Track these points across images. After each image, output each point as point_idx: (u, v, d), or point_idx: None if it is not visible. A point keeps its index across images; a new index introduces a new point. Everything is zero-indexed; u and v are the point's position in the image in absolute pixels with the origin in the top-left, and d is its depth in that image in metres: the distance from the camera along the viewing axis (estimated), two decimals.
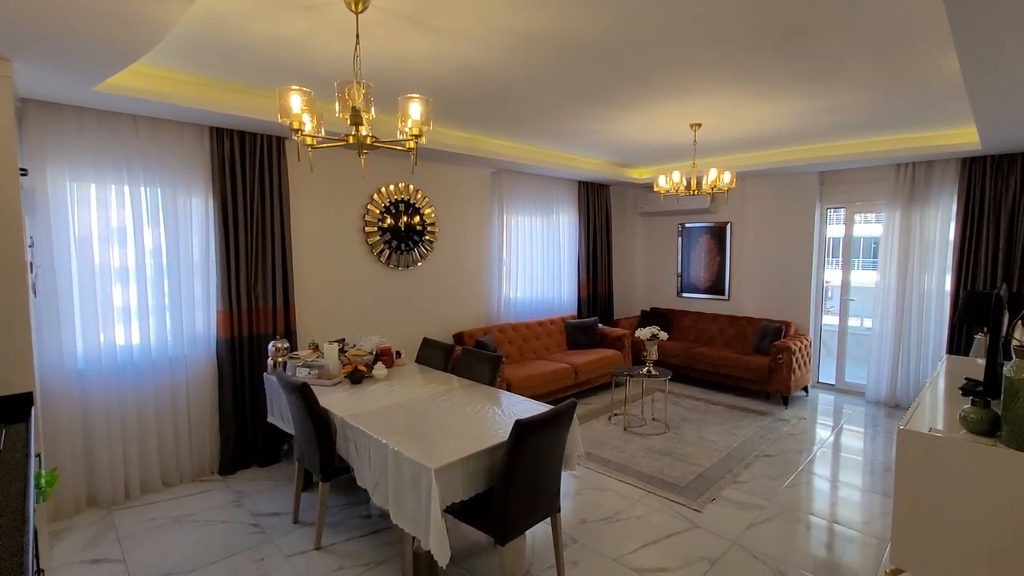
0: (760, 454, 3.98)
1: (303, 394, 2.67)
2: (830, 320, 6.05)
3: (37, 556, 1.64)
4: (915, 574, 2.20)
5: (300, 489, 3.07)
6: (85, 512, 3.14)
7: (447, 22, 2.27)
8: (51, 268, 2.96)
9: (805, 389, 5.62)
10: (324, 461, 2.71)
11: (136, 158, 3.25)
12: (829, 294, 6.18)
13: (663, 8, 2.14)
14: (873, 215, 5.78)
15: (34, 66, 2.28)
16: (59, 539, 2.85)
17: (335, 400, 2.92)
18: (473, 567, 2.62)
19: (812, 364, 5.70)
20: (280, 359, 3.44)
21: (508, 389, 4.48)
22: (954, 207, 4.75)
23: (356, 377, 3.28)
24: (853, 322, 5.94)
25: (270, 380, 3.47)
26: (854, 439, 4.35)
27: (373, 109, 2.08)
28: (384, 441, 2.33)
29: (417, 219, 4.86)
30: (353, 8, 2.01)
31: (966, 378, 2.78)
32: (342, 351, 3.52)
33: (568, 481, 3.52)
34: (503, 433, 2.35)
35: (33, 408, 2.19)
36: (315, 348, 3.60)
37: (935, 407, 2.49)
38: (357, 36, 2.05)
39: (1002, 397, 1.92)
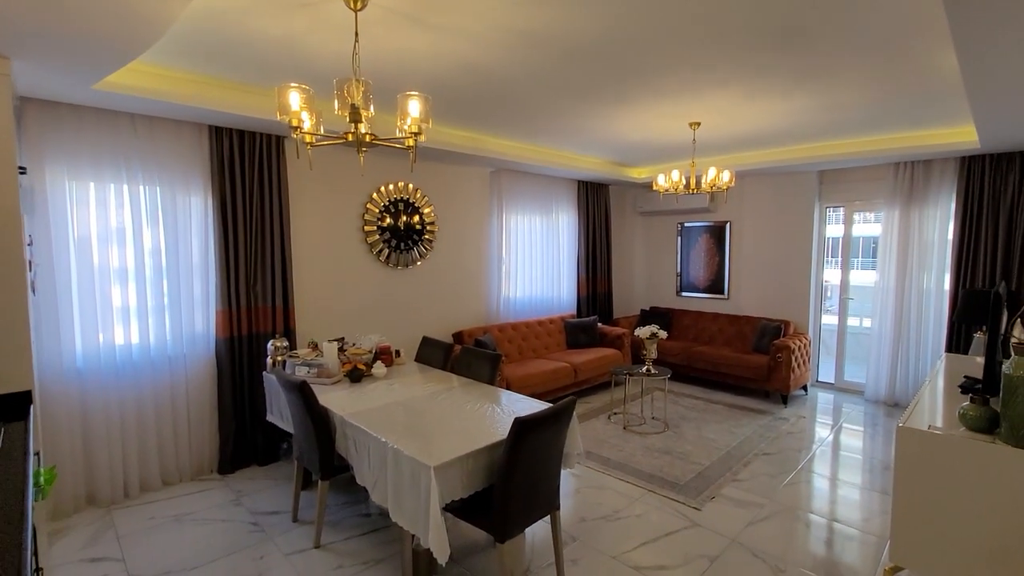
0: (759, 452, 3.98)
1: (302, 392, 2.67)
2: (829, 320, 6.06)
3: (36, 554, 1.64)
4: (914, 571, 2.21)
5: (299, 488, 3.07)
6: (84, 511, 3.13)
7: (446, 20, 2.27)
8: (50, 266, 2.96)
9: (804, 388, 5.62)
10: (323, 459, 2.71)
11: (135, 157, 3.24)
12: (828, 294, 6.19)
13: (662, 7, 2.14)
14: (872, 214, 5.79)
15: (33, 64, 2.28)
16: (58, 538, 2.85)
17: (334, 398, 2.92)
18: (472, 565, 2.62)
19: (811, 363, 5.71)
20: (279, 358, 3.43)
21: (507, 388, 4.48)
22: (953, 206, 4.76)
23: (355, 376, 3.28)
24: (852, 321, 5.95)
25: (269, 379, 3.47)
26: (853, 438, 4.35)
27: (372, 107, 2.08)
28: (383, 439, 2.33)
29: (416, 218, 4.86)
30: (352, 6, 2.01)
31: (965, 376, 2.79)
32: (341, 350, 3.52)
33: (568, 479, 3.53)
34: (502, 431, 2.35)
35: (32, 406, 2.19)
36: (314, 347, 3.60)
37: (934, 405, 2.49)
38: (356, 34, 2.05)
39: (1001, 394, 1.93)
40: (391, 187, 4.66)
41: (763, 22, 2.30)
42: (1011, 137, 3.85)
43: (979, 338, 4.04)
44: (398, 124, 2.06)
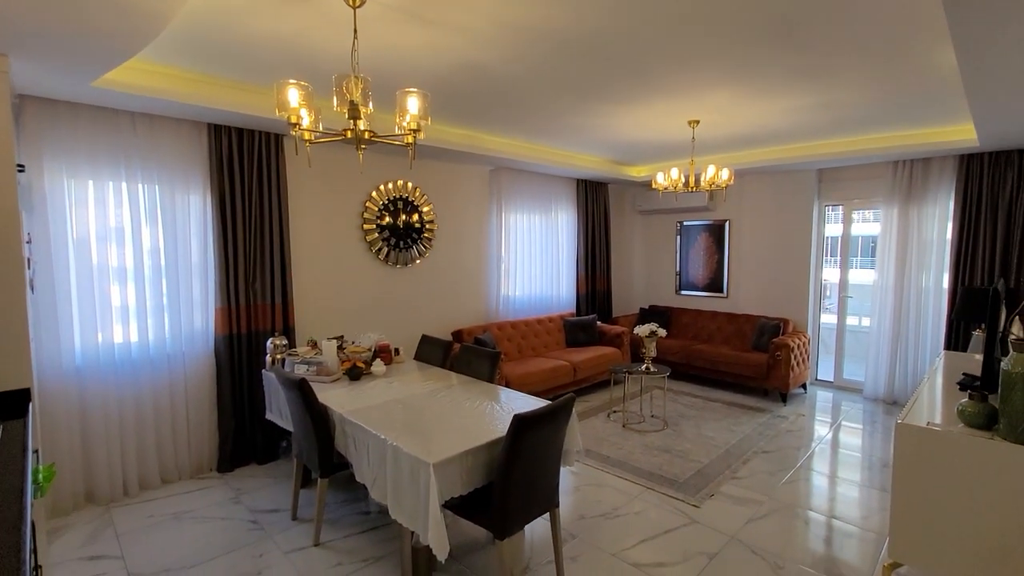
0: (758, 450, 3.99)
1: (301, 390, 2.67)
2: (828, 319, 6.06)
3: (35, 551, 1.63)
4: (913, 567, 2.21)
5: (299, 486, 3.07)
6: (83, 509, 3.13)
7: (444, 16, 2.27)
8: (48, 264, 2.96)
9: (803, 386, 5.63)
10: (323, 457, 2.71)
11: (134, 155, 3.24)
12: (827, 292, 6.20)
13: (658, 3, 2.14)
14: (871, 213, 5.79)
15: (31, 61, 2.27)
16: (57, 536, 2.85)
17: (334, 396, 2.92)
18: (472, 563, 2.62)
19: (811, 361, 5.71)
20: (278, 356, 3.43)
21: (507, 386, 4.48)
22: (952, 204, 4.76)
23: (355, 374, 3.28)
24: (851, 321, 5.96)
25: (269, 377, 3.47)
26: (852, 436, 4.36)
27: (371, 104, 2.07)
28: (383, 436, 2.33)
29: (416, 217, 4.86)
30: (351, 3, 2.01)
31: (964, 373, 2.79)
32: (340, 348, 3.51)
33: (567, 477, 3.53)
34: (502, 428, 2.35)
35: (31, 404, 2.19)
36: (313, 345, 3.60)
37: (933, 402, 2.50)
38: (355, 31, 2.05)
39: (999, 390, 1.93)
40: (390, 185, 4.65)
41: (762, 18, 2.30)
42: (1010, 135, 3.86)
43: (978, 336, 4.04)
44: (397, 121, 2.06)
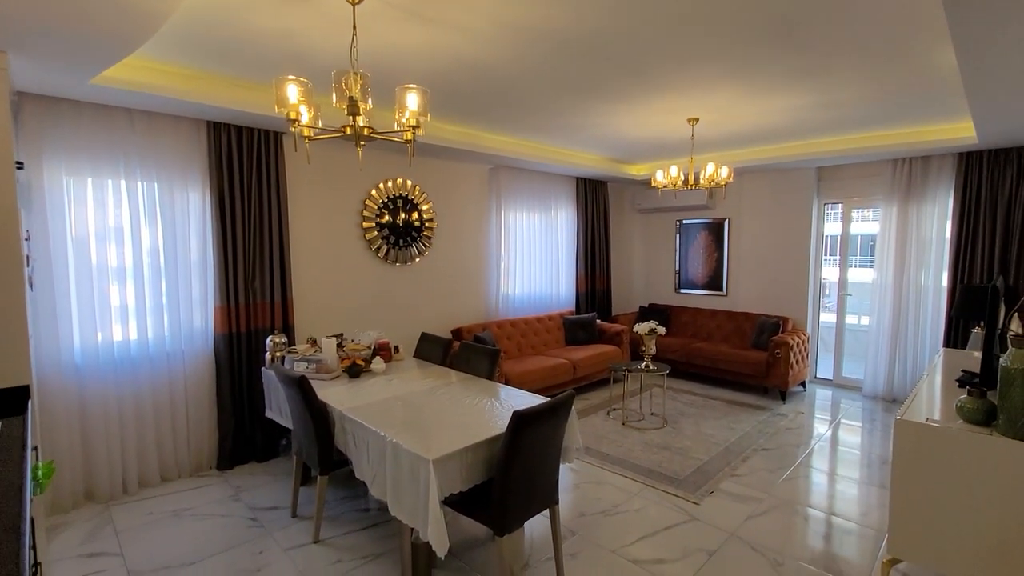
0: (758, 448, 3.99)
1: (301, 387, 2.67)
2: (827, 317, 6.06)
3: (34, 548, 1.63)
4: (913, 563, 2.21)
5: (298, 483, 3.07)
6: (83, 507, 3.13)
7: (443, 14, 2.26)
8: (47, 261, 2.96)
9: (803, 384, 5.64)
10: (322, 454, 2.71)
11: (133, 152, 3.24)
12: (827, 291, 6.20)
13: (658, 2, 2.14)
14: (870, 211, 5.79)
15: (30, 59, 2.27)
16: (56, 533, 2.85)
17: (333, 394, 2.92)
18: (472, 559, 2.63)
19: (810, 359, 5.72)
20: (278, 354, 3.43)
21: (506, 384, 4.47)
22: (951, 202, 4.76)
23: (354, 371, 3.28)
24: (851, 320, 5.96)
25: (268, 375, 3.47)
26: (851, 433, 4.36)
27: (370, 100, 2.07)
28: (382, 433, 2.33)
29: (415, 215, 4.86)
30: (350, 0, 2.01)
31: (963, 370, 2.79)
32: (340, 346, 3.51)
33: (567, 475, 3.53)
34: (501, 425, 2.35)
35: (30, 401, 2.19)
36: (313, 343, 3.60)
37: (932, 398, 2.50)
38: (354, 27, 2.05)
39: (998, 386, 1.93)
40: (390, 184, 4.65)
41: (762, 18, 2.30)
42: (1009, 133, 3.86)
43: (977, 333, 4.05)
44: (396, 118, 2.06)
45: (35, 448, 2.14)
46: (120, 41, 2.12)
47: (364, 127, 2.05)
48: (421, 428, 2.39)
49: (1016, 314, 2.44)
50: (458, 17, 2.30)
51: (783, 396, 5.21)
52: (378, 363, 3.41)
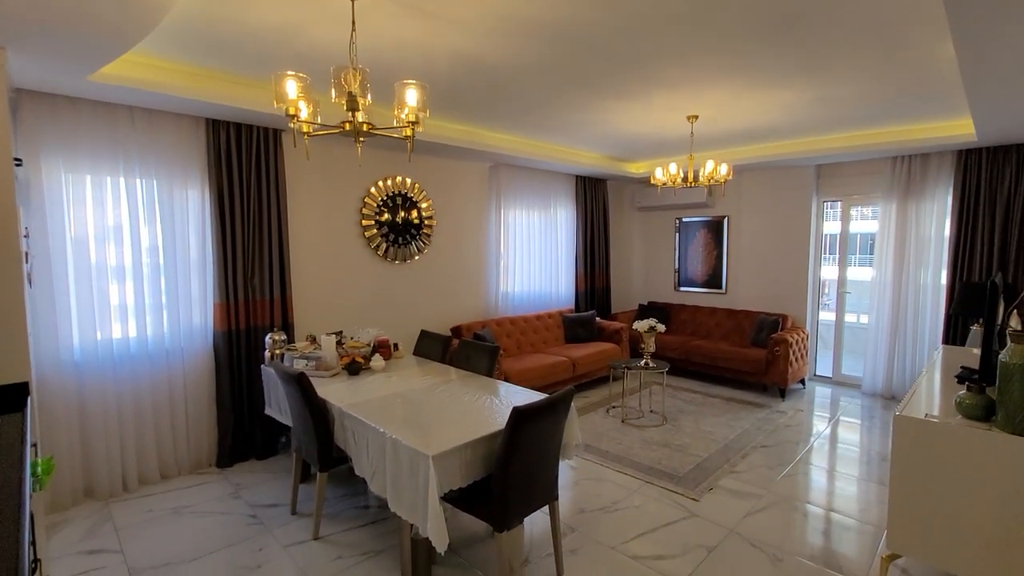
0: (757, 445, 3.99)
1: (300, 384, 2.67)
2: (827, 316, 6.07)
3: (34, 544, 1.63)
4: (912, 558, 2.22)
5: (298, 480, 3.07)
6: (82, 504, 3.13)
7: (443, 9, 2.26)
8: (46, 258, 2.95)
9: (802, 382, 5.64)
10: (322, 451, 2.71)
11: (132, 150, 3.23)
12: (826, 290, 6.20)
13: None
14: (869, 209, 5.79)
15: (28, 54, 2.26)
16: (56, 530, 2.85)
17: (333, 391, 2.92)
18: (471, 556, 2.63)
19: (809, 357, 5.72)
20: (277, 351, 3.43)
21: (506, 382, 4.48)
22: (950, 199, 4.76)
23: (354, 368, 3.28)
24: (850, 318, 5.96)
25: (268, 372, 3.47)
26: (850, 430, 4.37)
27: (369, 96, 2.07)
28: (382, 430, 2.33)
29: (415, 213, 4.85)
30: None
31: (962, 367, 2.80)
32: (339, 343, 3.51)
33: (566, 472, 3.53)
34: (501, 421, 2.35)
35: (29, 398, 2.18)
36: (312, 340, 3.60)
37: (931, 394, 2.50)
38: (353, 22, 2.05)
39: (997, 382, 1.93)
40: (389, 182, 4.65)
41: (759, 11, 2.30)
42: (1008, 130, 3.86)
43: (976, 330, 4.06)
44: (395, 113, 2.05)
45: (34, 445, 2.14)
46: (118, 36, 2.12)
47: (363, 123, 2.05)
48: (421, 424, 2.40)
49: (1015, 310, 2.44)
50: (457, 12, 2.29)
51: (782, 393, 5.22)
52: (377, 360, 3.41)
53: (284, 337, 3.50)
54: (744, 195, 6.16)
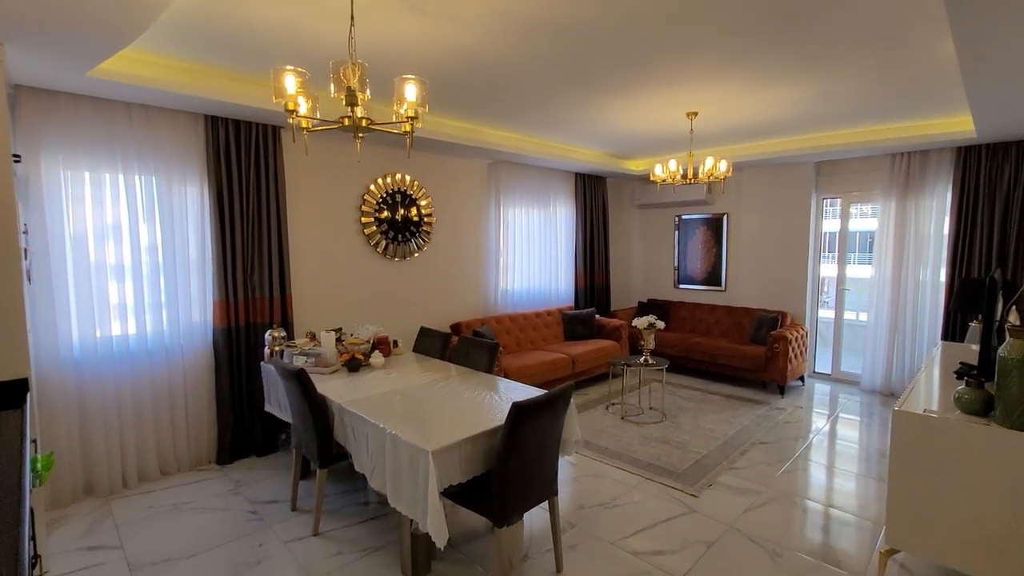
0: (756, 441, 4.00)
1: (300, 380, 2.67)
2: (826, 313, 6.07)
3: (34, 539, 1.63)
4: (910, 553, 2.22)
5: (298, 477, 3.07)
6: (82, 501, 3.13)
7: (441, 5, 2.25)
8: (45, 254, 2.95)
9: (801, 379, 5.65)
10: (322, 447, 2.72)
11: (131, 146, 3.23)
12: (825, 287, 6.21)
13: None
14: (868, 207, 5.79)
15: (26, 50, 2.26)
16: (56, 527, 2.85)
17: (332, 387, 2.92)
18: (471, 551, 2.63)
19: (808, 354, 5.73)
20: (277, 348, 3.43)
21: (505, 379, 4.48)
22: (949, 196, 4.76)
23: (353, 365, 3.28)
24: (849, 315, 5.97)
25: (267, 369, 3.47)
26: (849, 427, 4.38)
27: (368, 91, 2.07)
28: (382, 426, 2.33)
29: (414, 210, 4.85)
30: None
31: (960, 362, 2.80)
32: (339, 340, 3.51)
33: (566, 468, 3.54)
34: (500, 417, 2.36)
35: (29, 394, 2.18)
36: (312, 337, 3.59)
37: (930, 390, 2.51)
38: (352, 17, 2.04)
39: (996, 377, 1.94)
40: (388, 179, 4.64)
41: (759, 7, 2.29)
42: (1007, 126, 3.86)
43: (974, 327, 4.06)
44: (394, 109, 2.05)
45: (34, 441, 2.14)
46: (117, 32, 2.11)
47: (362, 118, 2.05)
48: (420, 420, 2.40)
49: (1014, 306, 2.44)
50: (456, 8, 2.29)
51: (781, 390, 5.22)
52: (377, 357, 3.42)
53: (284, 334, 3.51)
54: (744, 192, 6.16)
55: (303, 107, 1.98)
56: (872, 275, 5.30)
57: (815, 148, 5.00)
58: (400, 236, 4.76)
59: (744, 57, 2.91)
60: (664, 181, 4.46)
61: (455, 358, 3.66)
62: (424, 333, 4.06)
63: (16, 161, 2.44)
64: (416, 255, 4.92)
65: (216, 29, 2.50)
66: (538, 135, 4.98)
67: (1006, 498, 1.90)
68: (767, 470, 3.51)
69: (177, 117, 3.38)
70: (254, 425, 3.76)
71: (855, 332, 6.05)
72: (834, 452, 3.85)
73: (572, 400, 2.52)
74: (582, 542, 2.70)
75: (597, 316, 6.19)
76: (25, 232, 2.67)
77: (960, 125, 4.22)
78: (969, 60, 2.40)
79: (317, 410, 2.70)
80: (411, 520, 2.26)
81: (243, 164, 3.61)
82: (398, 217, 4.73)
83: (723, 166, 4.19)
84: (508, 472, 2.16)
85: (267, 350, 3.46)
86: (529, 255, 5.98)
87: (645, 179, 6.64)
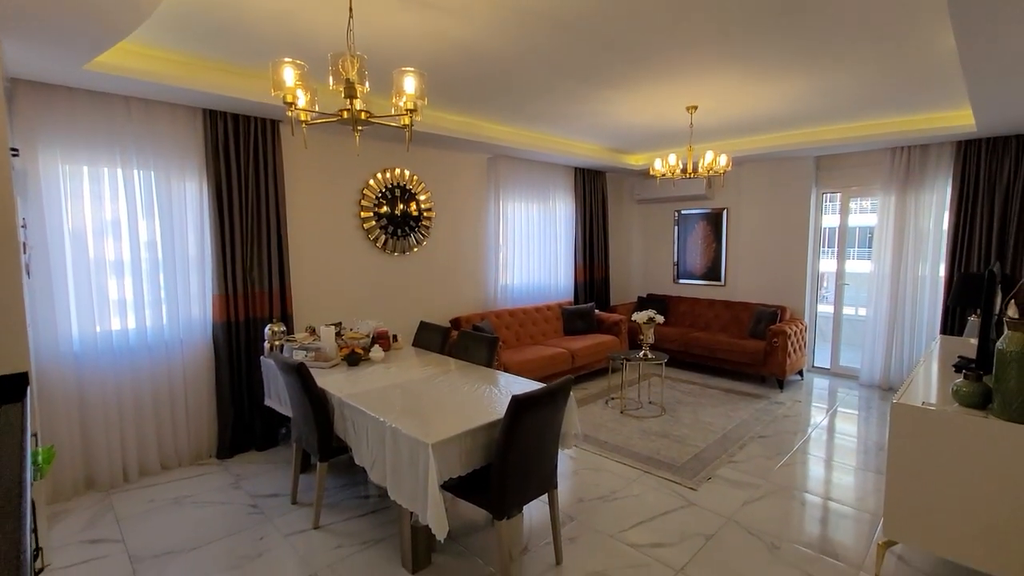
0: (755, 435, 4.01)
1: (300, 374, 2.68)
2: (825, 308, 6.08)
3: (35, 532, 1.64)
4: (908, 545, 2.24)
5: (298, 471, 3.08)
6: (83, 495, 3.14)
7: None
8: (44, 249, 2.95)
9: (800, 373, 5.66)
10: (322, 441, 2.72)
11: (129, 140, 3.22)
12: (824, 283, 6.21)
13: None
14: (868, 203, 5.79)
15: (23, 43, 2.25)
16: (57, 520, 2.86)
17: (332, 381, 2.92)
18: (471, 544, 2.65)
19: (807, 349, 5.74)
20: (277, 342, 3.43)
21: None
22: (949, 191, 4.76)
23: (353, 359, 3.28)
24: (848, 311, 5.97)
25: (267, 363, 3.47)
26: (848, 421, 4.39)
27: (367, 83, 2.06)
28: (382, 419, 2.33)
29: (413, 205, 4.84)
30: None
31: (959, 356, 2.81)
32: (339, 334, 3.52)
33: (565, 462, 3.55)
34: (500, 410, 2.36)
35: (29, 388, 2.19)
36: (312, 332, 3.60)
37: (928, 383, 2.52)
38: (350, 10, 2.03)
39: (994, 370, 1.94)
40: (388, 174, 4.63)
41: (759, 0, 2.29)
42: (1008, 120, 3.85)
43: (973, 321, 4.07)
44: (393, 102, 2.05)
45: (35, 435, 2.14)
46: (114, 24, 2.10)
47: (361, 111, 2.04)
48: (420, 414, 2.40)
49: (1012, 299, 2.45)
50: (455, 1, 2.27)
51: (780, 384, 5.24)
52: (377, 351, 3.42)
53: (283, 328, 3.51)
54: (743, 187, 6.16)
55: (302, 100, 1.97)
56: (871, 270, 5.31)
57: (815, 142, 5.00)
58: (399, 231, 4.76)
59: (744, 50, 2.90)
60: (664, 175, 4.46)
61: (455, 352, 3.67)
62: (424, 328, 4.06)
63: (14, 155, 2.43)
64: (415, 250, 4.91)
65: (214, 21, 2.49)
66: (538, 129, 4.97)
67: (1003, 489, 1.91)
68: (766, 463, 3.52)
69: (176, 111, 3.37)
70: (254, 419, 3.76)
71: (854, 327, 6.06)
72: (833, 445, 3.86)
73: (572, 394, 2.53)
74: (581, 535, 2.71)
75: (596, 311, 6.19)
76: (24, 226, 2.66)
77: (960, 119, 4.22)
78: (969, 51, 2.40)
79: (317, 404, 2.71)
80: (411, 513, 2.27)
81: (242, 158, 3.61)
82: (397, 212, 4.73)
83: (723, 160, 4.19)
84: (508, 465, 2.16)
85: (267, 344, 3.47)
86: (529, 250, 5.98)
87: (644, 174, 6.63)
